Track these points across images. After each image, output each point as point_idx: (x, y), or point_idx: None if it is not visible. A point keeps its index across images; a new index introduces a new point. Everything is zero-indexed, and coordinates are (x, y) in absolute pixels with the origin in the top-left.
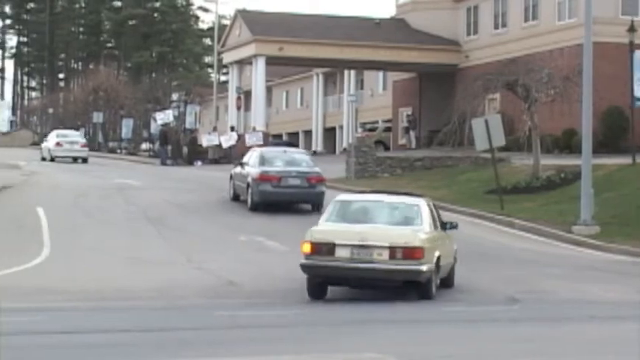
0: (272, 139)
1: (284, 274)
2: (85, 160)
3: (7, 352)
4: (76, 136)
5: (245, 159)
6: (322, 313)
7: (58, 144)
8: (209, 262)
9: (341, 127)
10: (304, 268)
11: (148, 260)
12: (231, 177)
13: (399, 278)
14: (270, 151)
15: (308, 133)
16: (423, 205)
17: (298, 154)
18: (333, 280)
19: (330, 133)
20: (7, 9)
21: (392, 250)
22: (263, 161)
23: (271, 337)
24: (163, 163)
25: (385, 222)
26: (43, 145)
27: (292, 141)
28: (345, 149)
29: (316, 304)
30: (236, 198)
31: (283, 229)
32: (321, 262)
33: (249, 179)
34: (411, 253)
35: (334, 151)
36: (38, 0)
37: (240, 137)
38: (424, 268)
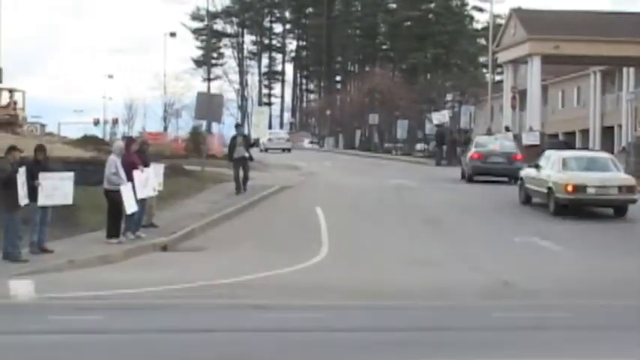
0: (548, 139)
1: (558, 275)
2: (288, 150)
3: (286, 347)
4: (282, 133)
5: (470, 147)
6: (599, 315)
7: (269, 139)
8: (484, 262)
9: (619, 126)
10: (569, 200)
11: (424, 260)
12: (460, 162)
13: (621, 204)
14: (483, 138)
15: (585, 133)
16: (613, 157)
17: (506, 140)
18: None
19: (607, 132)
20: (287, 14)
21: (620, 188)
22: (477, 145)
23: (543, 339)
24: (438, 164)
25: (601, 169)
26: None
27: (568, 140)
28: (623, 148)
29: (589, 307)
30: (463, 176)
31: (557, 229)
32: (579, 197)
33: (467, 159)
34: (631, 189)
35: (612, 151)
36: (316, 5)
37: (516, 137)
38: (637, 197)
